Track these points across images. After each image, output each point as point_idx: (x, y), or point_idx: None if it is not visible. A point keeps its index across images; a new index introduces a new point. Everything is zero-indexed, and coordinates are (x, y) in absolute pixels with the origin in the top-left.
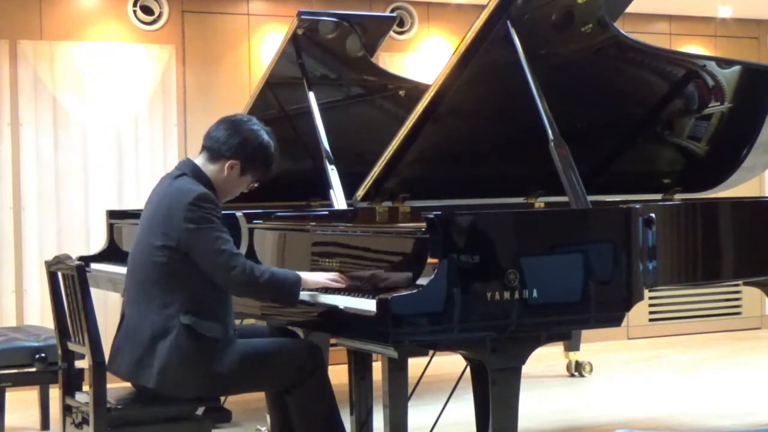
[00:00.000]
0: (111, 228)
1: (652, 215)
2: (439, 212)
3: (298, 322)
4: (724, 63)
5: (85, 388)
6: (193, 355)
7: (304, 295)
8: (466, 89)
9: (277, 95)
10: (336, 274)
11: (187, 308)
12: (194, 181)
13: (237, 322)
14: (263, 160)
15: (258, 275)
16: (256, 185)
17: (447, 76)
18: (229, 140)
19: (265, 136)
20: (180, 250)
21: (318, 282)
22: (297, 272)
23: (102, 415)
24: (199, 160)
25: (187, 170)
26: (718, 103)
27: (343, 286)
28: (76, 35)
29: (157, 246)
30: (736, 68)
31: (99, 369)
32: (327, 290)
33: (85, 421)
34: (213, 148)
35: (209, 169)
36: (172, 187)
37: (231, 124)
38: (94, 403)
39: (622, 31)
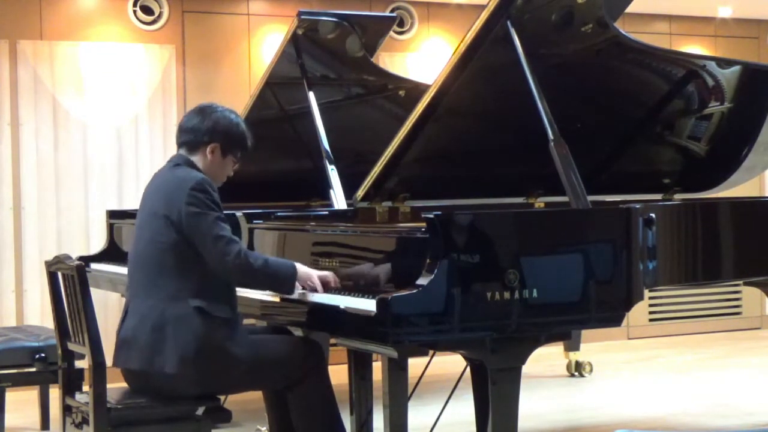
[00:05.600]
0: (111, 228)
1: (652, 215)
2: (439, 212)
3: (298, 322)
4: (724, 63)
5: (85, 388)
6: (206, 335)
7: (303, 296)
8: (466, 89)
9: (277, 95)
10: (330, 273)
11: (196, 292)
12: (191, 169)
13: None
14: (239, 136)
15: (252, 261)
16: (236, 166)
17: (447, 76)
18: (202, 126)
19: (233, 115)
20: (183, 233)
21: (309, 275)
22: (293, 262)
23: (102, 415)
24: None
25: (182, 162)
26: (718, 103)
27: (327, 288)
28: (76, 35)
29: (162, 232)
30: (736, 68)
31: (99, 369)
32: (326, 290)
33: (85, 421)
34: (190, 139)
35: (194, 159)
36: (171, 175)
37: (198, 112)
38: (94, 403)
39: (622, 31)
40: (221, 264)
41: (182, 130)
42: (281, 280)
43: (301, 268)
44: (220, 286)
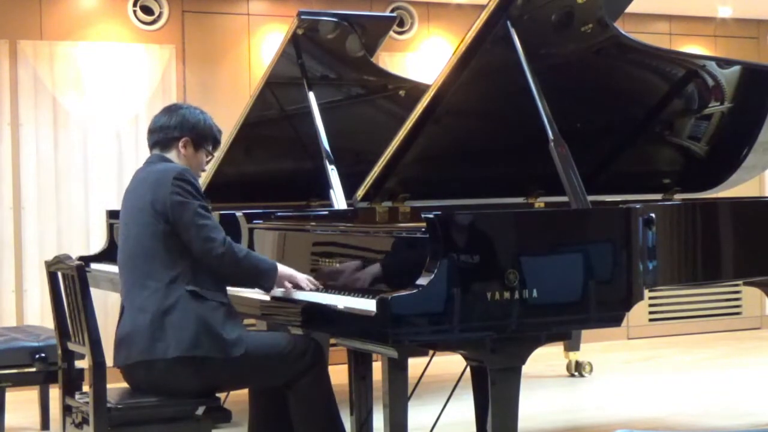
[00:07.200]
0: (111, 228)
1: (652, 215)
2: (439, 212)
3: (298, 323)
4: (724, 63)
5: (85, 388)
6: (204, 317)
7: (302, 295)
8: (466, 89)
9: (277, 95)
10: (311, 277)
11: (190, 279)
12: (171, 162)
13: None
14: (207, 129)
15: (236, 251)
16: (210, 159)
17: (447, 76)
18: (171, 123)
19: (198, 111)
20: (170, 222)
21: (292, 275)
22: (275, 261)
23: (102, 415)
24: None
25: (157, 160)
26: (718, 103)
27: (313, 288)
28: (76, 35)
29: (150, 224)
30: (736, 68)
31: (99, 369)
32: (327, 290)
33: (85, 421)
34: (161, 138)
35: (169, 157)
36: (152, 169)
37: (164, 112)
38: (94, 403)
39: (622, 31)
40: (206, 251)
41: (152, 131)
42: (263, 273)
43: (284, 268)
44: (211, 273)
